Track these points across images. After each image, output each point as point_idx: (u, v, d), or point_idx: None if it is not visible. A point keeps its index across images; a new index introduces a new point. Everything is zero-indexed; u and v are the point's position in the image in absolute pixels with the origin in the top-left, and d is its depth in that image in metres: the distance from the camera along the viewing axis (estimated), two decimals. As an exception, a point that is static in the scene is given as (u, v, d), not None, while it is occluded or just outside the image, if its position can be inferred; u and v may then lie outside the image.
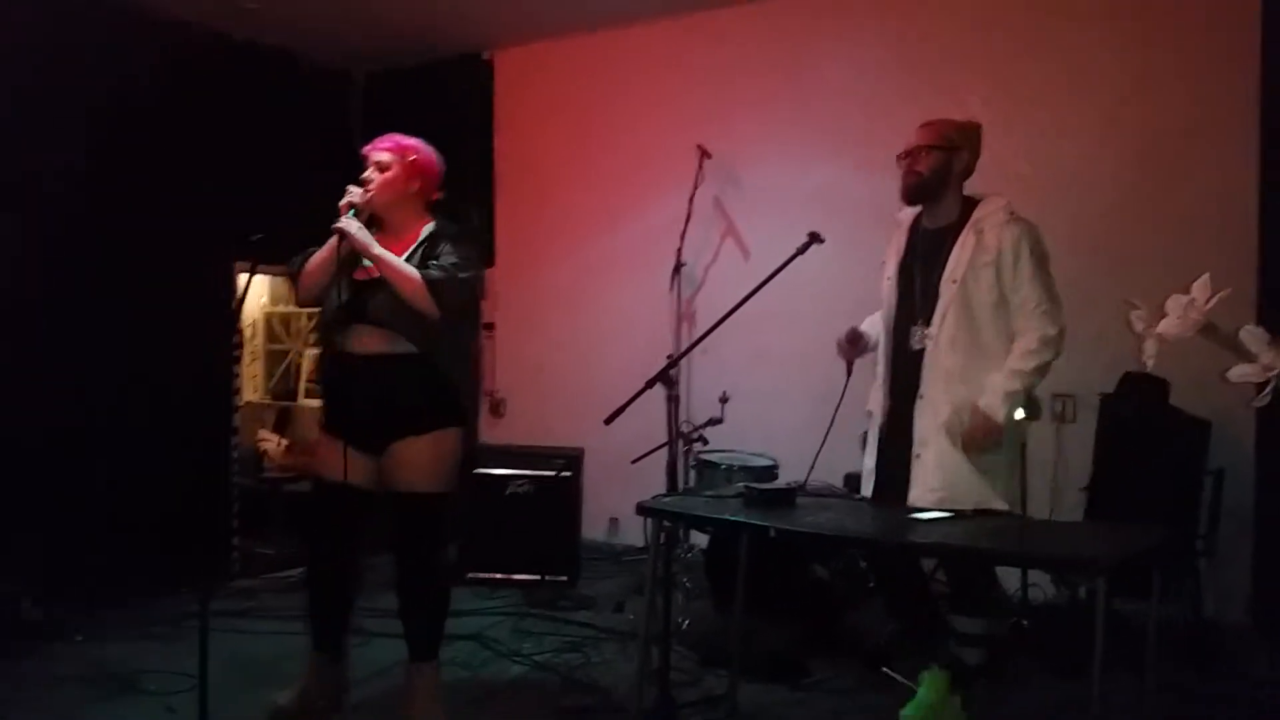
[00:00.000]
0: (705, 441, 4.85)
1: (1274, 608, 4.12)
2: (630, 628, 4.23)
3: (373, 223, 3.22)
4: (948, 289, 3.10)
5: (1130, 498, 4.00)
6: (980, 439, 3.03)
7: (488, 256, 3.21)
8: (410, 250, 3.19)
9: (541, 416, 6.15)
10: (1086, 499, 4.28)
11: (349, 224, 3.09)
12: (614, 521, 5.88)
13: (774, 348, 5.34)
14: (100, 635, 4.05)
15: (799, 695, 3.57)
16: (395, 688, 3.36)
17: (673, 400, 3.29)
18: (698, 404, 5.31)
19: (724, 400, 4.78)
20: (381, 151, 3.26)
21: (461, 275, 3.12)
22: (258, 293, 6.88)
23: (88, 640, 4.00)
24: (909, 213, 3.35)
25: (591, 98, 6.15)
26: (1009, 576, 4.41)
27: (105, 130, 4.89)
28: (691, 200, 5.46)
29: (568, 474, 5.06)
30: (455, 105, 6.56)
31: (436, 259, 3.14)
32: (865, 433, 3.44)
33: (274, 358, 6.89)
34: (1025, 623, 4.22)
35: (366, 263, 3.13)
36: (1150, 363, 1.67)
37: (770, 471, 4.58)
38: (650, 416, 3.46)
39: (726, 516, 2.88)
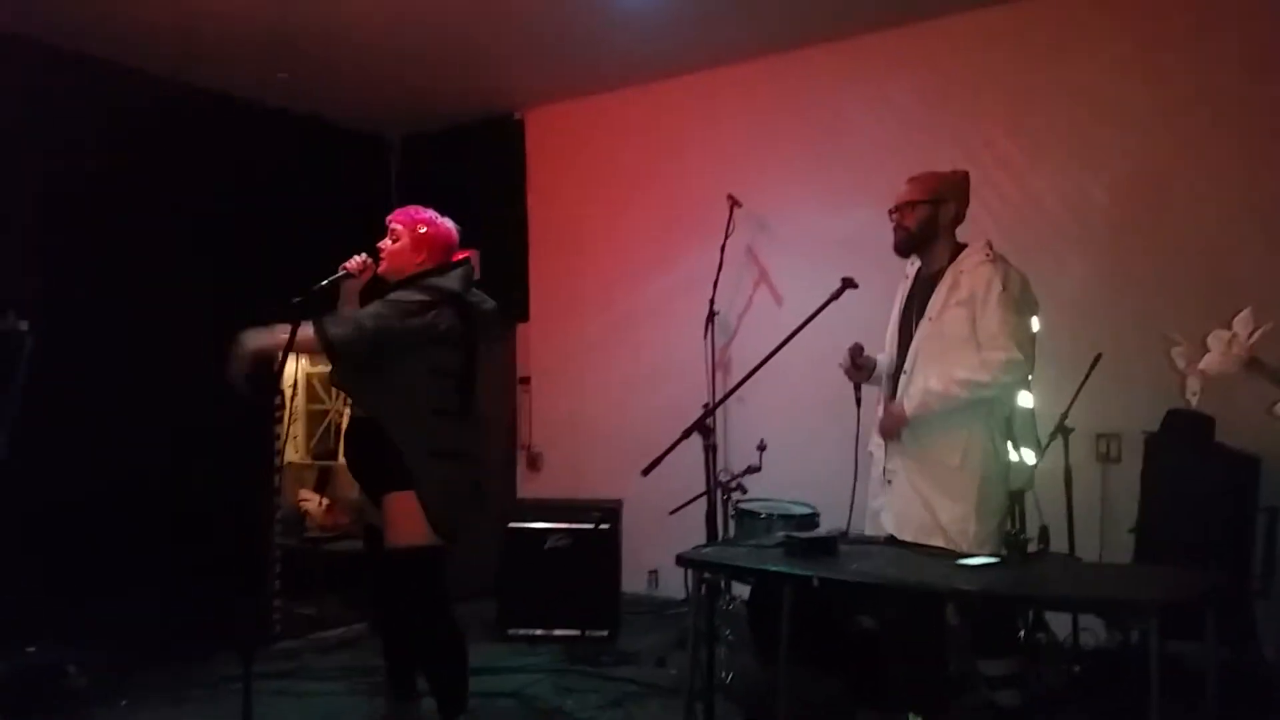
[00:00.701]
0: (744, 490, 4.81)
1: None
2: (673, 683, 4.17)
3: (381, 286, 3.40)
4: (923, 326, 3.20)
5: (1179, 538, 3.90)
6: (885, 424, 3.24)
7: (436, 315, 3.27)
8: None
9: (578, 469, 6.15)
10: (1135, 540, 4.18)
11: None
12: (654, 574, 5.82)
13: (809, 394, 5.31)
14: (143, 700, 4.06)
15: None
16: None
17: (710, 449, 3.27)
18: (734, 452, 5.29)
19: (762, 448, 4.74)
20: (395, 222, 3.45)
21: (358, 317, 3.25)
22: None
23: (132, 705, 4.00)
24: (915, 263, 3.41)
25: (621, 152, 6.23)
26: (1060, 622, 4.32)
27: (144, 202, 5.03)
28: (723, 249, 5.48)
29: (606, 526, 5.04)
30: (488, 164, 6.69)
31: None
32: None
33: (314, 418, 6.94)
34: (1077, 669, 4.12)
35: None
36: (1194, 400, 1.65)
37: (811, 520, 4.52)
38: (687, 466, 3.45)
39: (769, 567, 2.85)
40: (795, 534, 3.11)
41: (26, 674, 3.76)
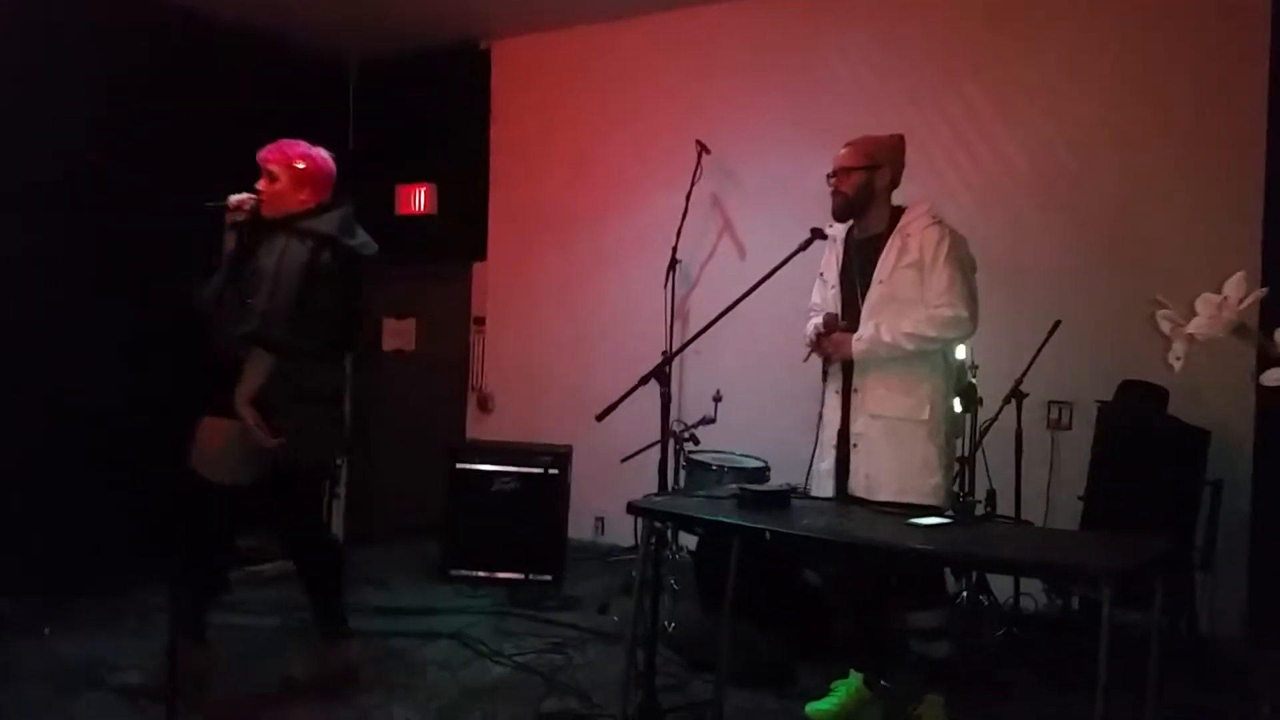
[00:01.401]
0: (697, 441, 4.77)
1: (1270, 620, 4.05)
2: (615, 629, 4.14)
3: (261, 226, 3.29)
4: (875, 290, 3.22)
5: (1127, 507, 3.93)
6: (822, 344, 3.27)
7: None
8: None
9: (530, 413, 6.07)
10: (1083, 508, 4.21)
11: None
12: (600, 521, 5.79)
13: (768, 348, 5.26)
14: (70, 629, 3.94)
15: (786, 703, 3.49)
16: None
17: (665, 399, 3.20)
18: (689, 403, 5.24)
19: (718, 400, 4.71)
20: (270, 163, 3.35)
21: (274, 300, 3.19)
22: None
23: (56, 634, 3.89)
24: (841, 227, 3.41)
25: (589, 90, 6.06)
26: (1001, 585, 4.35)
27: (95, 122, 4.80)
28: (689, 196, 5.38)
29: (554, 471, 4.97)
30: (451, 95, 6.50)
31: None
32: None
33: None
34: (1015, 630, 4.17)
35: None
36: (1178, 365, 1.60)
37: (762, 473, 4.51)
38: (640, 415, 3.39)
39: (720, 518, 2.79)
40: (749, 486, 3.05)
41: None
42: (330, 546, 3.77)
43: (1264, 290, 1.53)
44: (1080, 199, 4.67)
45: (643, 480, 4.15)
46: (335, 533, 6.48)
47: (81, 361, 4.69)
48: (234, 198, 3.29)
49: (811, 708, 3.33)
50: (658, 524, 3.14)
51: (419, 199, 6.58)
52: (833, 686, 3.40)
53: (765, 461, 4.61)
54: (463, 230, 6.44)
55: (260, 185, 3.34)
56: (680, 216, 5.37)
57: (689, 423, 4.78)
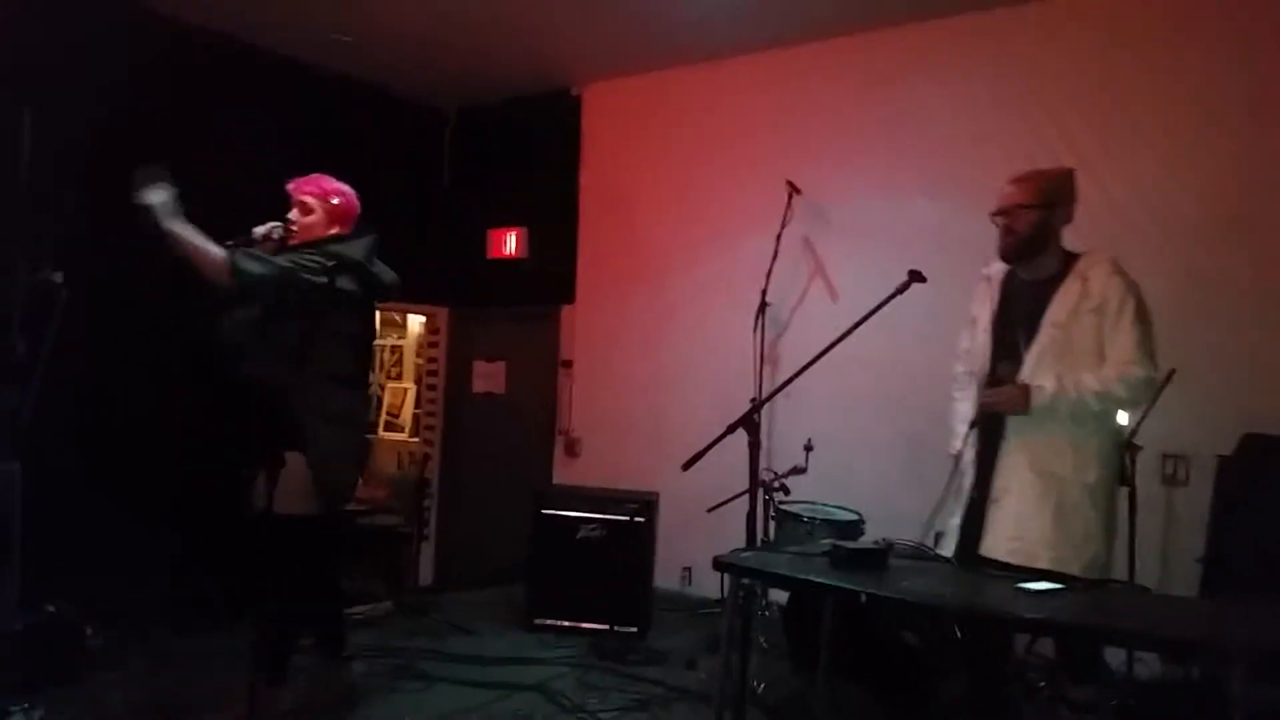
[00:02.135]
0: (787, 491, 4.61)
1: None
2: (702, 688, 3.99)
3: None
4: (1048, 332, 2.97)
5: (1255, 571, 3.64)
6: (999, 398, 2.96)
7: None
8: None
9: (617, 458, 5.98)
10: (1202, 571, 3.92)
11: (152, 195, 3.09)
12: (687, 571, 5.64)
13: (862, 394, 5.10)
14: (160, 666, 3.99)
15: (883, 771, 3.31)
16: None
17: (754, 447, 3.07)
18: (779, 451, 5.08)
19: (809, 449, 4.55)
20: (306, 195, 3.38)
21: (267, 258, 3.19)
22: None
23: (145, 670, 3.93)
24: (999, 266, 3.19)
25: (678, 132, 6.02)
26: (1114, 650, 4.07)
27: (195, 164, 4.91)
28: (779, 238, 5.27)
29: (641, 519, 4.86)
30: (542, 140, 6.57)
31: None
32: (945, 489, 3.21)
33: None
34: (1132, 703, 3.88)
35: None
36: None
37: (856, 527, 4.32)
38: (729, 463, 3.26)
39: (812, 578, 2.65)
40: (842, 543, 2.90)
41: (45, 632, 3.70)
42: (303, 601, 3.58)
43: None
44: (1196, 242, 4.40)
45: (732, 529, 4.00)
46: (423, 579, 6.53)
47: (173, 401, 4.76)
48: (259, 229, 3.31)
49: None
50: (746, 581, 3.00)
51: (510, 243, 6.62)
52: None
53: (859, 514, 4.43)
54: (552, 273, 6.45)
55: (293, 216, 3.39)
56: (770, 258, 5.26)
57: (779, 472, 4.63)
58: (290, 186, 3.44)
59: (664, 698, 3.95)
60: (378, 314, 3.62)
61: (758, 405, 3.22)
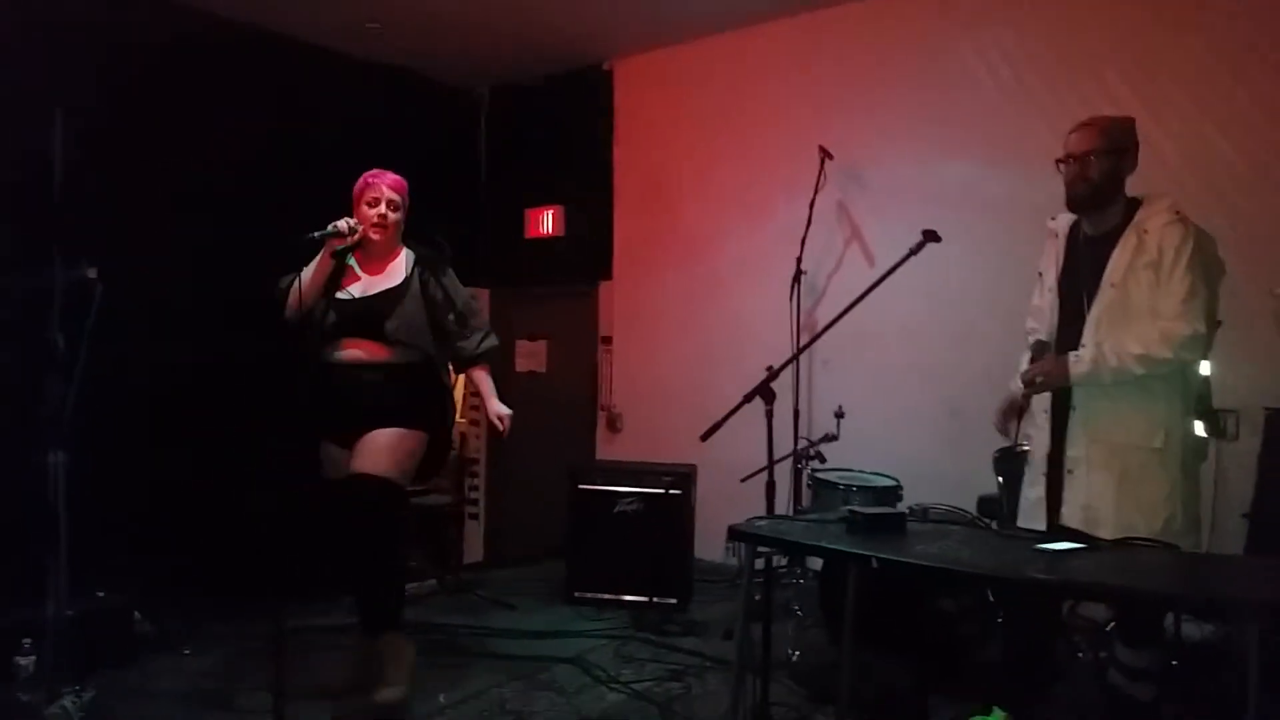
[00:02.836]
0: (823, 459, 4.57)
1: None
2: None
3: (355, 249, 3.46)
4: (1105, 293, 2.83)
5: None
6: (1037, 373, 2.88)
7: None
8: (401, 279, 3.48)
9: (658, 432, 5.97)
10: (1248, 527, 3.79)
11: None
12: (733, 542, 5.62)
13: (898, 360, 5.01)
14: (207, 649, 4.09)
15: (916, 739, 3.27)
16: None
17: (770, 415, 3.05)
18: (820, 420, 5.03)
19: (839, 416, 4.49)
20: (394, 191, 3.50)
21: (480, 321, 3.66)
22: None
23: (195, 655, 4.04)
24: (1065, 220, 3.05)
25: (711, 102, 5.96)
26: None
27: (231, 156, 5.02)
28: (812, 205, 5.20)
29: (677, 492, 4.85)
30: (576, 118, 6.56)
31: (432, 291, 3.50)
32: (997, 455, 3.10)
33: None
34: (1175, 663, 3.77)
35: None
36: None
37: (893, 493, 4.26)
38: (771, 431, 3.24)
39: (824, 544, 2.62)
40: (859, 509, 2.85)
41: (95, 618, 3.81)
42: None
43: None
44: (1239, 193, 4.23)
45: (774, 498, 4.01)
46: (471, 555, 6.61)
47: (227, 386, 4.85)
48: (340, 224, 3.36)
49: None
50: (762, 549, 2.98)
51: (548, 221, 6.63)
52: None
53: (897, 480, 4.36)
54: (589, 250, 6.45)
55: (388, 212, 3.48)
56: (804, 226, 5.19)
57: (813, 440, 4.58)
58: (373, 180, 3.50)
59: (699, 668, 3.95)
60: None
61: (774, 373, 3.21)
